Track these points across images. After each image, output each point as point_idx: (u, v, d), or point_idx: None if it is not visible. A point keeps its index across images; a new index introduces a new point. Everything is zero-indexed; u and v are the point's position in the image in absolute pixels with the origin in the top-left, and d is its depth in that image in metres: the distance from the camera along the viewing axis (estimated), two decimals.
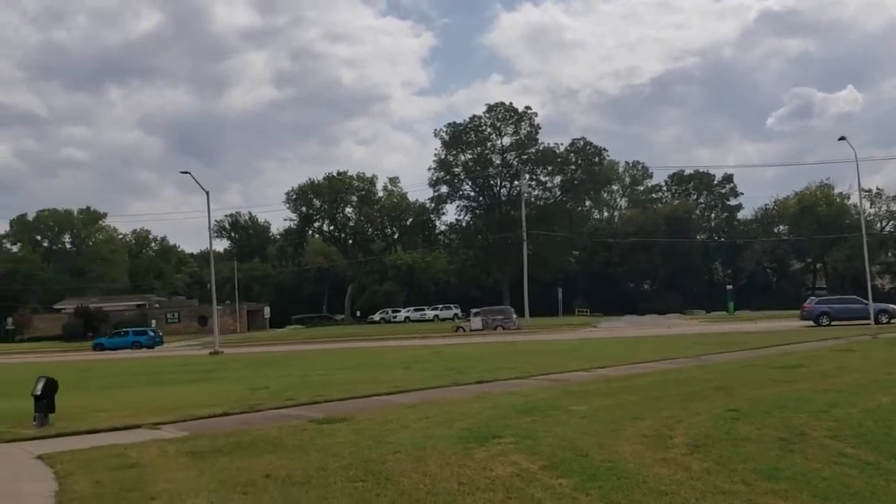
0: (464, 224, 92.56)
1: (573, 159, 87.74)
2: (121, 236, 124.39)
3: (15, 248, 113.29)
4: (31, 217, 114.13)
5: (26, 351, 63.30)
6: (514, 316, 59.02)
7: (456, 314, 77.32)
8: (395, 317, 78.79)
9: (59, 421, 12.30)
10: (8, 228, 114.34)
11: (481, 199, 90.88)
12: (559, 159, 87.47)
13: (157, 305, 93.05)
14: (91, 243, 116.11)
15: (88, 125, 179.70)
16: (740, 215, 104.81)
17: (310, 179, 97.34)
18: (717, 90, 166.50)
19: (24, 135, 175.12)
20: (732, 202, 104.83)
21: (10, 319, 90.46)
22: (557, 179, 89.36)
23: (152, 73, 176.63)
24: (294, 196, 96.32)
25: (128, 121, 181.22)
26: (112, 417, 12.90)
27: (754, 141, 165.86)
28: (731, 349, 25.26)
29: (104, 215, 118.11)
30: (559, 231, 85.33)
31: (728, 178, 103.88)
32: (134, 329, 65.58)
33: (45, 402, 12.29)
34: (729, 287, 78.38)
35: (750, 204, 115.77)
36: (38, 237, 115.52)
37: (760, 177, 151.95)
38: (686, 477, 7.24)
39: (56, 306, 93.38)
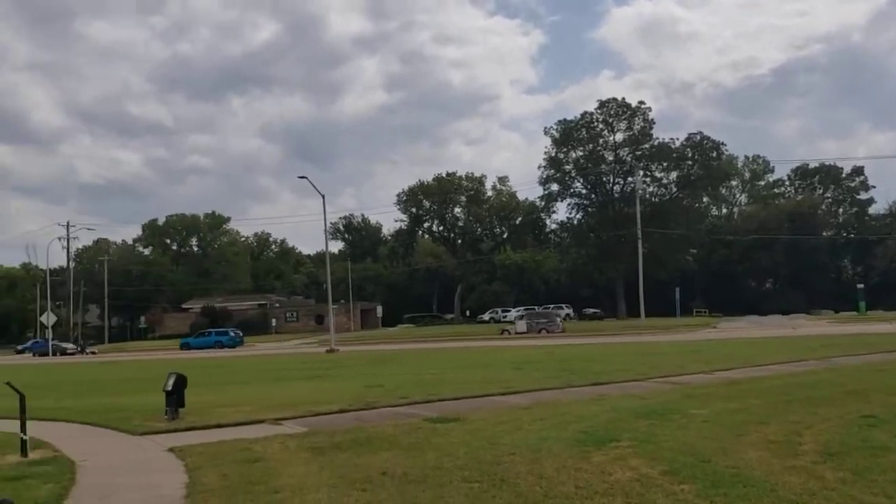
0: (575, 222, 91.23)
1: (689, 154, 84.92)
2: (243, 239, 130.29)
3: (147, 252, 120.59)
4: (161, 222, 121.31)
5: (157, 348, 67.16)
6: (559, 320, 59.78)
7: (568, 314, 76.37)
8: (504, 316, 78.61)
9: (188, 415, 12.91)
10: (140, 233, 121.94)
11: (593, 196, 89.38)
12: (675, 154, 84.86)
13: (277, 305, 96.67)
14: (216, 246, 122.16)
15: (212, 133, 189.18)
16: (872, 210, 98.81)
17: (420, 181, 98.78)
18: (844, 78, 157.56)
19: (154, 144, 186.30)
20: (863, 196, 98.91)
21: (143, 318, 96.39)
22: (673, 175, 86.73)
23: (270, 82, 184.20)
24: (404, 197, 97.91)
25: (249, 128, 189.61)
26: (237, 413, 13.42)
27: (886, 130, 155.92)
28: (864, 352, 23.73)
29: (228, 219, 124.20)
30: (675, 228, 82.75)
31: (858, 171, 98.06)
32: (216, 330, 70.85)
33: (175, 398, 12.94)
34: (860, 286, 73.73)
35: (883, 198, 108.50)
36: (168, 241, 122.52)
37: (894, 168, 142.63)
38: (819, 487, 6.81)
39: (184, 306, 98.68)
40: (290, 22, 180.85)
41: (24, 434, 9.86)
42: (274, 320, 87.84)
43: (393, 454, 8.91)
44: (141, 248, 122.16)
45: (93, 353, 68.93)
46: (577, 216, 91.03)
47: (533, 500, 6.71)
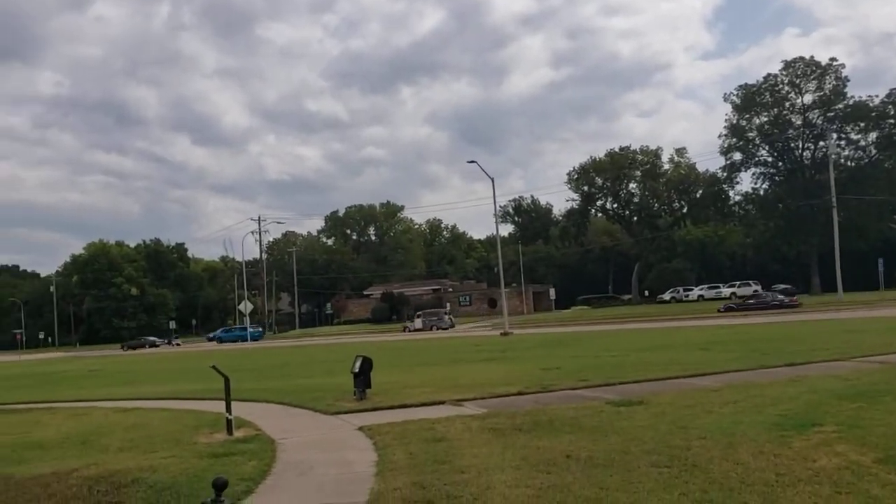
0: (761, 193, 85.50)
1: (892, 112, 77.03)
2: (417, 226, 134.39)
3: (330, 242, 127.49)
4: (341, 213, 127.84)
5: (341, 333, 70.88)
6: (447, 316, 64.83)
7: (756, 290, 72.06)
8: (686, 296, 75.41)
9: (374, 395, 13.43)
10: (323, 224, 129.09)
11: (780, 164, 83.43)
12: (874, 113, 77.17)
13: (450, 290, 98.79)
14: (392, 234, 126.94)
15: (384, 125, 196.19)
16: None
17: (591, 157, 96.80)
18: None
19: (332, 139, 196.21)
20: None
21: (328, 305, 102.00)
22: (872, 136, 78.98)
23: (438, 69, 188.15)
24: (575, 176, 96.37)
25: (418, 117, 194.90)
26: (419, 394, 13.78)
27: None
28: None
29: (402, 208, 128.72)
30: (876, 194, 75.43)
31: None
32: (239, 326, 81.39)
33: (362, 379, 13.49)
34: None
35: None
36: (348, 231, 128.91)
37: None
38: None
39: (365, 292, 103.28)
40: (455, 8, 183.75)
41: (230, 414, 10.64)
42: (448, 304, 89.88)
43: (576, 437, 8.73)
44: (324, 239, 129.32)
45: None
46: (763, 186, 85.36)
47: (728, 486, 6.31)
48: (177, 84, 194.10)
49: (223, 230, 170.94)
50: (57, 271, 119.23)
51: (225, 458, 8.71)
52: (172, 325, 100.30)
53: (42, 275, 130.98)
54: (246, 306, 67.69)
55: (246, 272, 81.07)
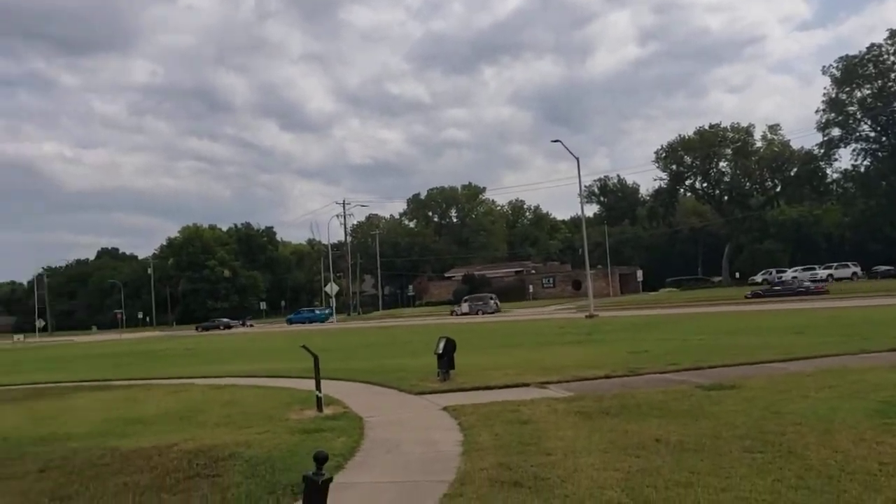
0: (862, 170, 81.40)
1: None
2: (498, 208, 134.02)
3: (412, 224, 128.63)
4: (423, 196, 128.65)
5: (424, 314, 71.58)
6: (493, 301, 64.66)
7: (855, 273, 68.86)
8: (780, 277, 72.72)
9: (458, 376, 13.52)
10: (405, 207, 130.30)
11: (884, 139, 79.08)
12: None
13: (532, 271, 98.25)
14: (473, 216, 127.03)
15: (466, 106, 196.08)
16: None
17: (679, 135, 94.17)
18: None
19: (414, 121, 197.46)
20: None
21: (410, 287, 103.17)
22: None
23: (520, 49, 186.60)
24: (663, 154, 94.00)
25: (500, 97, 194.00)
26: (503, 375, 13.79)
27: None
28: None
29: (483, 189, 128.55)
30: None
31: None
32: (307, 308, 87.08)
33: (446, 360, 13.60)
34: None
35: None
36: (430, 213, 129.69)
37: None
38: None
39: (447, 274, 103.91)
40: None
41: (319, 392, 10.92)
42: (531, 287, 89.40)
43: (665, 421, 8.57)
44: (407, 221, 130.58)
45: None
46: (864, 163, 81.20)
47: (828, 474, 6.08)
48: (264, 70, 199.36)
49: (309, 214, 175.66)
50: (154, 254, 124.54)
51: (315, 434, 8.95)
52: (263, 305, 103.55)
53: (140, 257, 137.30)
54: (332, 288, 69.15)
55: (331, 255, 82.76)
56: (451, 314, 64.69)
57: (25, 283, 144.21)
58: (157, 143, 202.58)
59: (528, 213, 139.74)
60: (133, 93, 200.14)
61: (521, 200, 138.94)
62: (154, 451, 8.35)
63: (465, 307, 65.01)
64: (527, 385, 12.54)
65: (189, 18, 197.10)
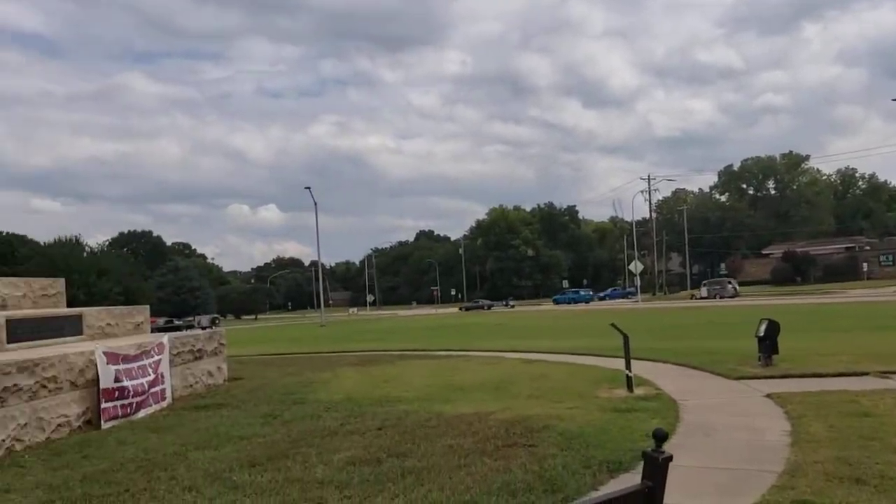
0: None
1: None
2: (824, 177, 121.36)
3: (723, 198, 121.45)
4: (735, 167, 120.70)
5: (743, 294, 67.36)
6: (730, 285, 64.16)
7: None
8: None
9: (781, 362, 12.46)
10: (716, 180, 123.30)
11: None
12: None
13: (867, 248, 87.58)
14: (794, 187, 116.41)
15: (784, 68, 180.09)
16: None
17: None
18: None
19: (725, 89, 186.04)
20: None
21: (722, 265, 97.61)
22: None
23: (849, 0, 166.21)
24: None
25: (826, 56, 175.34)
26: (835, 362, 12.44)
27: None
28: None
29: (806, 157, 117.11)
30: None
31: None
32: (572, 290, 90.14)
33: (768, 344, 12.60)
34: None
35: None
36: (744, 185, 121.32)
37: None
38: None
39: (764, 251, 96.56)
40: None
41: (630, 371, 10.74)
42: (865, 265, 79.73)
43: None
44: (717, 195, 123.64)
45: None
46: None
47: None
48: (566, 50, 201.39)
49: (612, 191, 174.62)
50: (464, 235, 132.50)
51: (627, 414, 8.82)
52: (565, 284, 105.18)
53: (452, 238, 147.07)
54: (636, 266, 67.92)
55: (635, 232, 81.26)
56: (691, 298, 66.42)
57: (357, 262, 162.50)
58: (466, 130, 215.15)
59: (860, 183, 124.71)
60: (445, 84, 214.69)
61: (853, 168, 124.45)
62: (474, 418, 8.84)
63: (703, 291, 66.09)
64: (865, 374, 11.17)
65: (496, 6, 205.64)
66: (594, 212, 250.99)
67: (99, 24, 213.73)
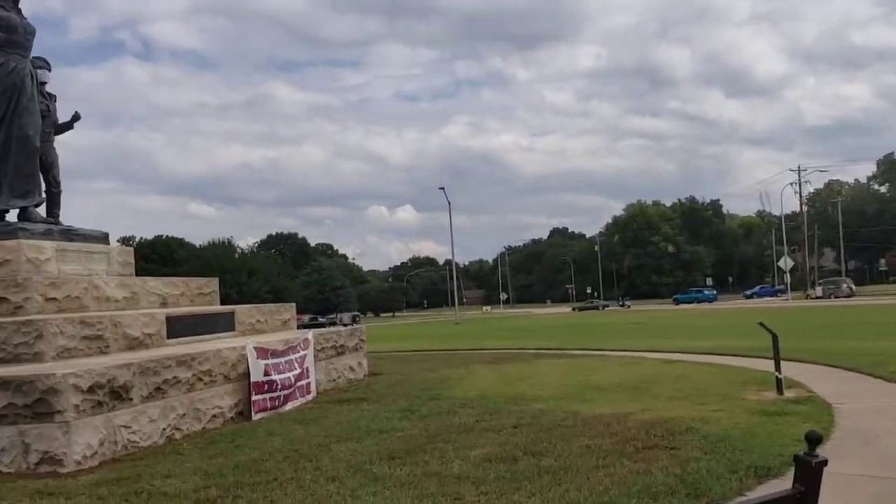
0: None
1: None
2: None
3: (883, 189, 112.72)
4: None
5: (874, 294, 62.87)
6: (845, 285, 65.31)
7: None
8: None
9: None
10: (875, 170, 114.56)
11: None
12: None
13: None
14: None
15: None
16: None
17: None
18: None
19: (884, 71, 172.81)
20: None
21: (881, 261, 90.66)
22: None
23: None
24: None
25: None
26: None
27: None
28: None
29: None
30: None
31: None
32: (695, 288, 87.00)
33: None
34: None
35: None
36: None
37: None
38: None
39: None
40: None
41: (779, 373, 10.17)
42: None
43: None
44: (876, 186, 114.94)
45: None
46: None
47: None
48: (707, 38, 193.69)
49: (758, 184, 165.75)
50: (600, 232, 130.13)
51: (777, 417, 8.36)
52: (709, 281, 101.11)
53: (587, 235, 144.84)
54: (786, 262, 64.30)
55: (784, 226, 76.91)
56: (807, 298, 66.38)
57: (490, 260, 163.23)
58: (601, 125, 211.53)
59: None
60: (579, 79, 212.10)
61: None
62: (612, 419, 8.65)
63: (818, 290, 66.53)
64: None
65: None
66: (739, 206, 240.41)
67: (247, 38, 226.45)
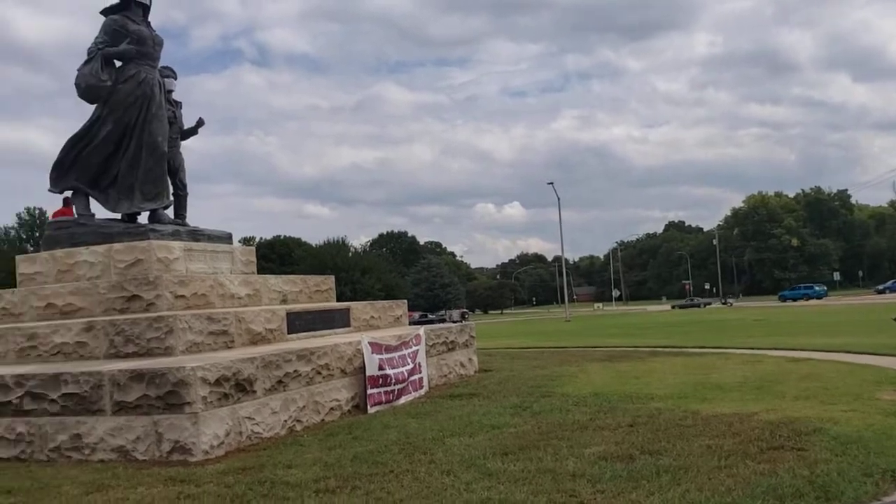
0: None
1: None
2: None
3: None
4: None
5: None
6: None
7: None
8: None
9: None
10: None
11: None
12: None
13: None
14: None
15: None
16: None
17: None
18: None
19: None
20: None
21: None
22: None
23: None
24: None
25: None
26: None
27: None
28: None
29: None
30: None
31: None
32: (804, 285, 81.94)
33: None
34: None
35: None
36: None
37: None
38: None
39: None
40: None
41: None
42: None
43: None
44: None
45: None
46: None
47: None
48: (831, 19, 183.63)
49: (891, 172, 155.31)
50: (718, 225, 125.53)
51: None
52: (836, 276, 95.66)
53: (705, 229, 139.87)
54: None
55: None
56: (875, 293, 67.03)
57: (601, 256, 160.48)
58: (717, 114, 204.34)
59: None
60: (693, 67, 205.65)
61: None
62: (734, 418, 8.32)
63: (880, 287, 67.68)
64: None
65: None
66: (870, 196, 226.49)
67: (357, 41, 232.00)
